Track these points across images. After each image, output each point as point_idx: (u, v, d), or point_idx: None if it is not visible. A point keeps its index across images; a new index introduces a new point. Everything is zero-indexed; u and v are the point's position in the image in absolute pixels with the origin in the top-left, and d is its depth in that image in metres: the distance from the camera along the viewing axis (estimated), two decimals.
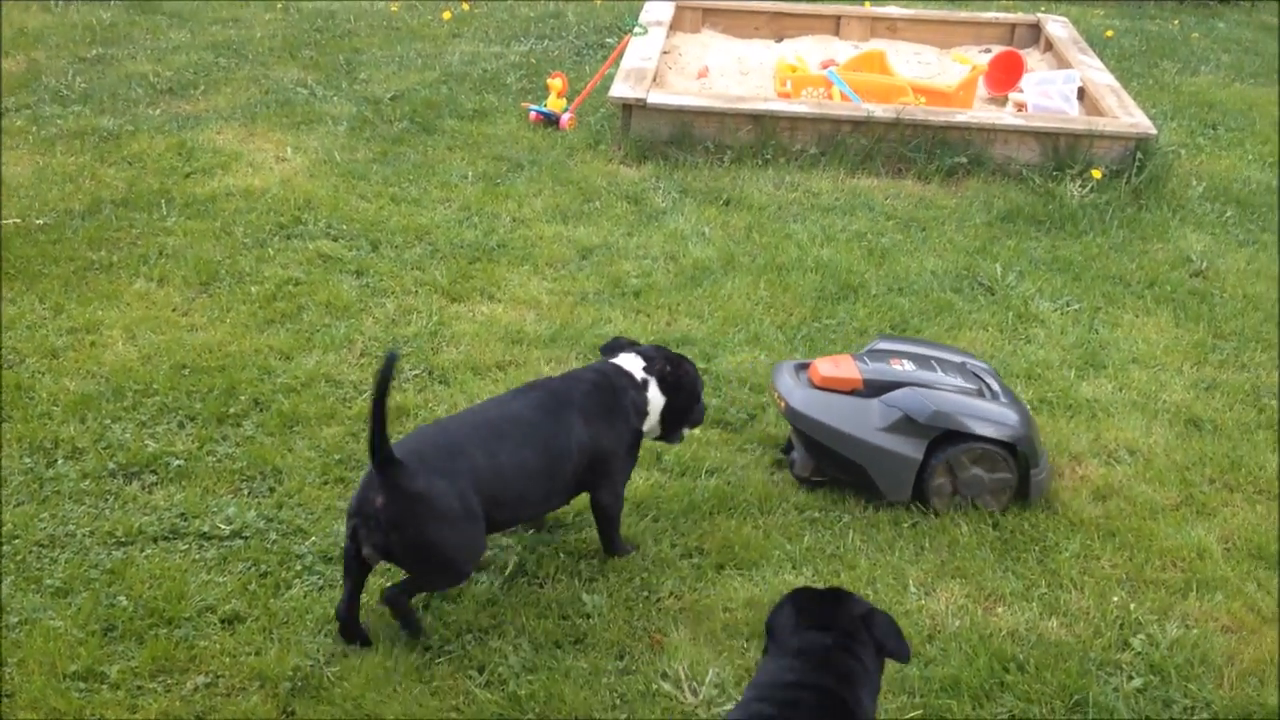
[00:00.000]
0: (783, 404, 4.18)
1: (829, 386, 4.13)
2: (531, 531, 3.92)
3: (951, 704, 3.31)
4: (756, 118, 6.92)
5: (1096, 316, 5.39)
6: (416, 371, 4.77)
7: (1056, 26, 8.64)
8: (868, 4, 10.11)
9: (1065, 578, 3.80)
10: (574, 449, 3.61)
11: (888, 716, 3.28)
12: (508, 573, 3.73)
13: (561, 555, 3.83)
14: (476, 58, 8.61)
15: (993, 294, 5.61)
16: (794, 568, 3.82)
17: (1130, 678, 3.41)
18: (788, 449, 4.33)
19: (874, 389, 4.10)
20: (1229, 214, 6.49)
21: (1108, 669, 3.45)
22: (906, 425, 4.02)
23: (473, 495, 3.38)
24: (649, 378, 3.84)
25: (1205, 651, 3.51)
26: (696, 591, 3.71)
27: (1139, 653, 3.50)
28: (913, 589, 3.75)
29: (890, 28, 9.06)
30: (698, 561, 3.84)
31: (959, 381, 4.14)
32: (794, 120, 6.93)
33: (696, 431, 4.34)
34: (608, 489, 3.75)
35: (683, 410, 3.95)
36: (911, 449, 4.02)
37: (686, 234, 6.05)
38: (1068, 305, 5.47)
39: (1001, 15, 9.17)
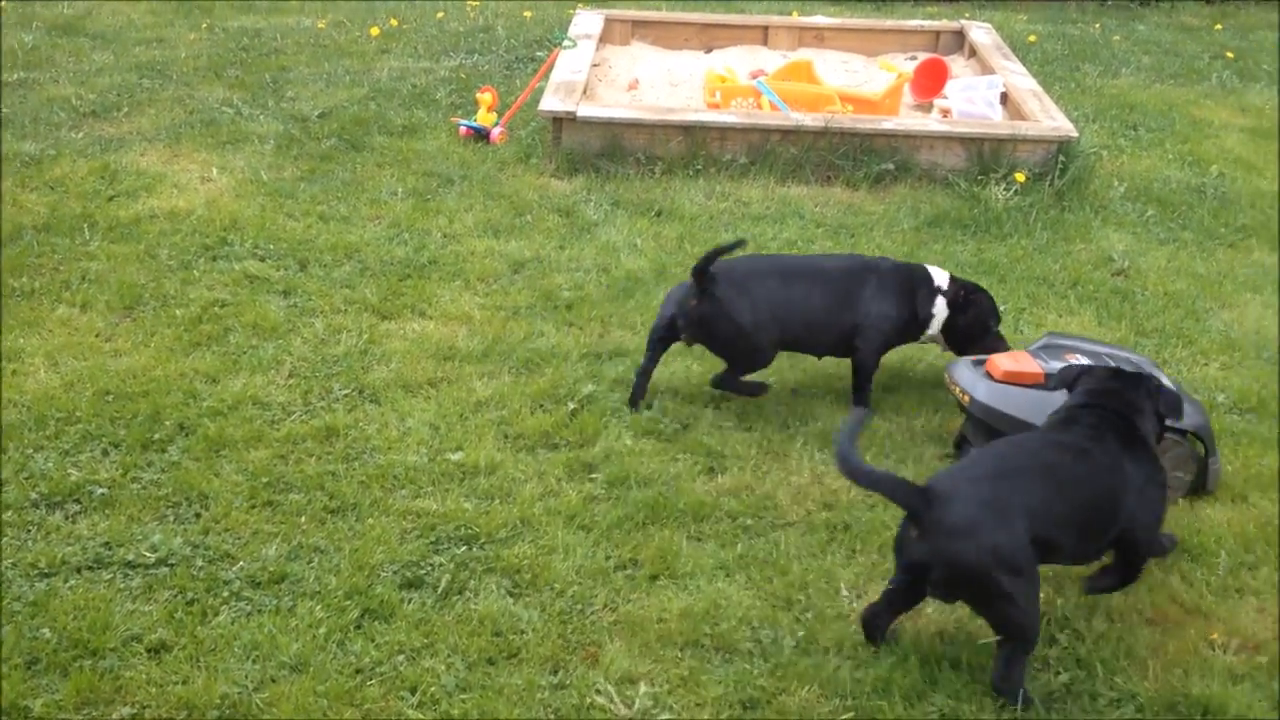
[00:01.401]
0: (967, 398, 4.31)
1: (1012, 381, 4.26)
2: (465, 548, 3.91)
3: (883, 705, 3.34)
4: (686, 129, 6.96)
5: (1021, 317, 5.45)
6: (346, 391, 4.74)
7: (980, 33, 8.76)
8: (796, 14, 10.20)
9: None
10: (856, 306, 4.66)
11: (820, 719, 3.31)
12: (440, 590, 3.72)
13: (496, 572, 3.82)
14: (405, 73, 8.58)
15: None
16: (727, 575, 3.84)
17: (1057, 673, 3.46)
18: (960, 444, 4.44)
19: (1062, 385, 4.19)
20: (1150, 213, 6.61)
21: (1035, 665, 3.48)
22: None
23: (765, 311, 4.57)
24: (943, 290, 4.70)
25: (1130, 645, 3.56)
26: (631, 603, 3.71)
27: (1066, 648, 3.55)
28: (845, 592, 3.77)
29: (818, 37, 9.14)
30: (631, 573, 3.84)
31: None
32: (724, 131, 6.97)
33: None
34: (865, 347, 4.68)
35: (968, 332, 4.71)
36: None
37: (619, 246, 6.06)
38: None
39: (926, 23, 9.28)
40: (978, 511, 3.28)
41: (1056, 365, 4.24)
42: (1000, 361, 4.31)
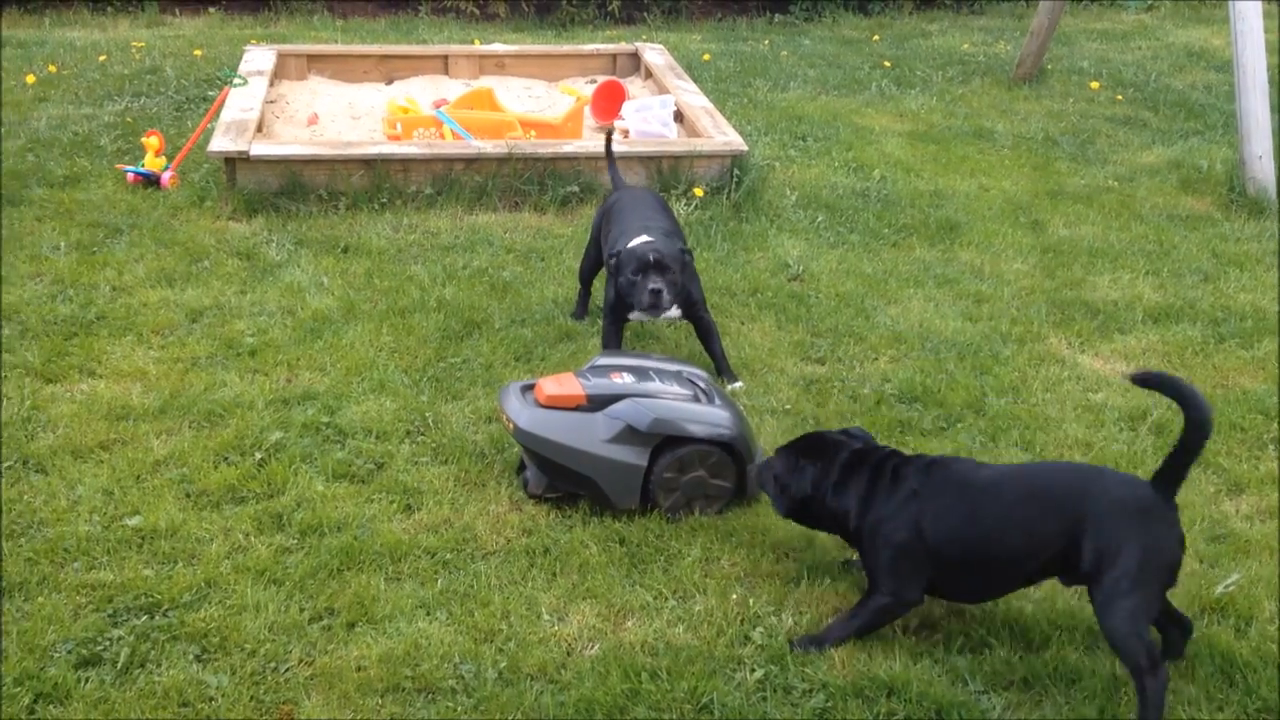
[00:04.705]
0: (511, 425, 4.25)
1: (555, 404, 4.23)
2: (146, 617, 3.70)
3: None
4: (368, 162, 6.86)
5: None
6: (9, 463, 4.41)
7: (654, 54, 9.02)
8: (477, 42, 10.24)
9: (689, 583, 3.93)
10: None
11: None
12: (119, 665, 3.50)
13: (181, 639, 3.63)
14: (66, 121, 8.12)
15: None
16: (428, 614, 3.77)
17: (752, 670, 3.56)
18: (521, 469, 4.39)
19: (597, 403, 4.23)
20: (820, 219, 6.95)
21: (731, 665, 3.58)
22: (629, 435, 4.17)
23: None
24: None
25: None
26: (328, 654, 3.60)
27: (760, 645, 3.66)
28: (546, 616, 3.78)
29: (499, 64, 9.21)
30: (328, 623, 3.73)
31: (676, 389, 4.34)
32: (406, 162, 6.91)
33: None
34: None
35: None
36: (635, 456, 4.17)
37: (304, 285, 5.91)
38: (683, 319, 5.67)
39: (603, 46, 9.50)
40: None
41: (602, 383, 4.30)
42: (545, 386, 4.29)
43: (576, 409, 4.24)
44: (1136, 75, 10.63)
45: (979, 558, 3.51)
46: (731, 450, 4.27)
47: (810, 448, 3.86)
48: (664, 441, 4.21)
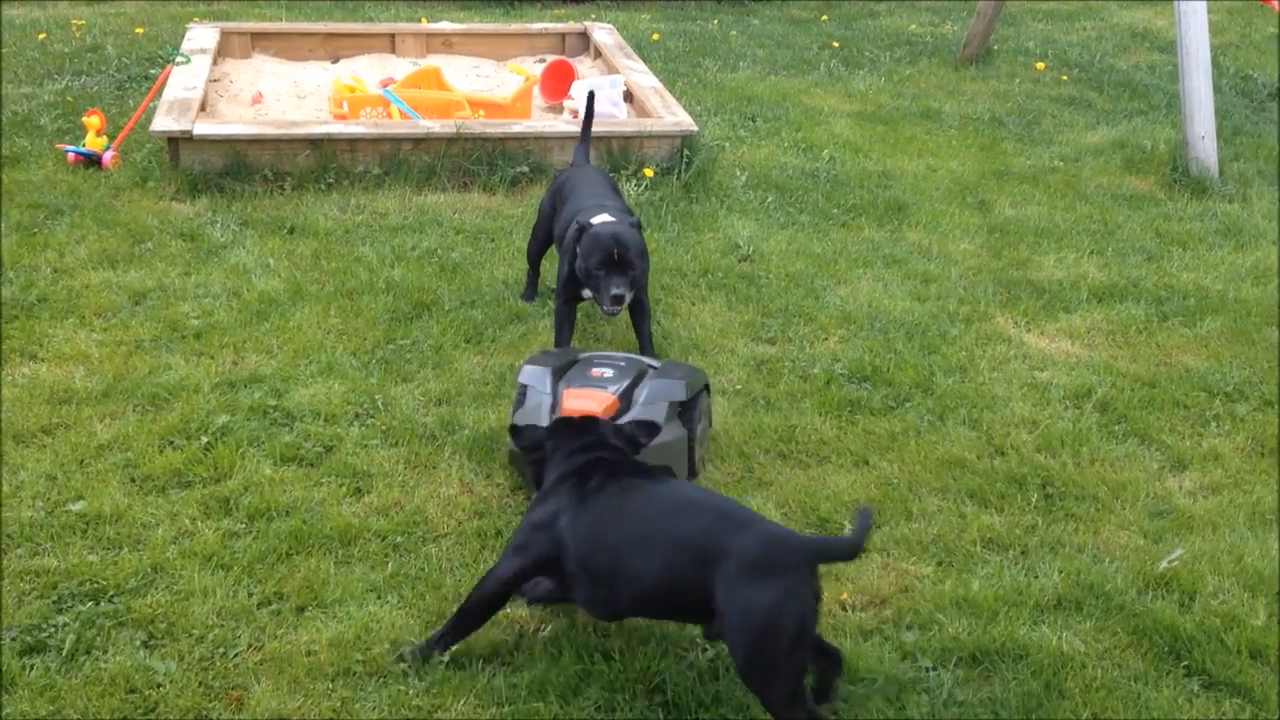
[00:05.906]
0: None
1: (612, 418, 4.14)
2: (92, 604, 3.65)
3: (539, 706, 3.35)
4: (314, 142, 6.78)
5: (657, 309, 5.61)
6: None
7: (602, 34, 8.98)
8: (424, 20, 10.14)
9: None
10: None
11: None
12: (65, 652, 3.46)
13: (128, 625, 3.59)
14: (5, 100, 7.96)
15: None
16: (379, 598, 3.75)
17: (704, 650, 3.57)
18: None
19: (627, 401, 4.24)
20: (770, 199, 6.96)
21: (683, 645, 3.59)
22: (673, 411, 4.23)
23: None
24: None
25: None
26: (277, 639, 3.57)
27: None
28: None
29: (446, 43, 9.13)
30: (277, 608, 3.70)
31: (641, 367, 4.42)
32: (353, 142, 6.84)
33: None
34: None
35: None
36: (679, 428, 4.25)
37: (250, 267, 5.84)
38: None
39: (551, 25, 9.44)
40: None
41: (617, 387, 4.24)
42: (584, 406, 4.10)
43: (617, 415, 4.17)
44: (1082, 55, 10.73)
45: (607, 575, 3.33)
46: (708, 390, 4.48)
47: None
48: (683, 405, 4.28)
